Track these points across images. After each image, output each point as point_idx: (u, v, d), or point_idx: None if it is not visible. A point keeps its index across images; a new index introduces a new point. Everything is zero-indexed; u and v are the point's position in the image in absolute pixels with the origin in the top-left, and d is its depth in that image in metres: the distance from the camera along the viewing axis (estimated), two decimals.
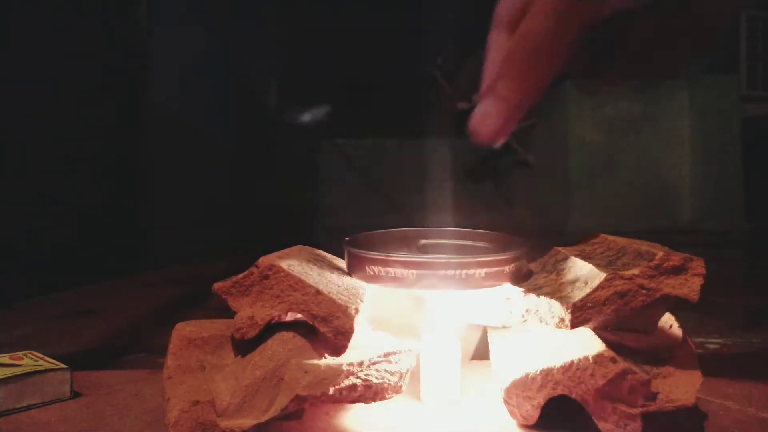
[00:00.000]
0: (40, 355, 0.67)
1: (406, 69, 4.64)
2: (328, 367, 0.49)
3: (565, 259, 0.61)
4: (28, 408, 0.61)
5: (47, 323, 1.23)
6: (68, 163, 1.73)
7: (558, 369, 0.51)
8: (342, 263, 0.64)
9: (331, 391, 0.49)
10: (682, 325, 0.57)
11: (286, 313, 0.53)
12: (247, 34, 3.50)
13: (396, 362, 0.54)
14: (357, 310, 0.52)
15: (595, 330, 0.53)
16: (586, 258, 0.59)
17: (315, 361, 0.50)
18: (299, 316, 0.53)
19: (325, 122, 3.90)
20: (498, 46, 0.49)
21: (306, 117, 3.82)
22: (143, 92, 2.18)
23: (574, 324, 0.51)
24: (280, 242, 0.73)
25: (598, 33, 0.44)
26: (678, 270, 0.52)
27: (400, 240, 0.71)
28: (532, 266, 0.65)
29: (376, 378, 0.53)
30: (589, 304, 0.51)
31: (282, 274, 0.53)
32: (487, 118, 0.47)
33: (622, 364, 0.49)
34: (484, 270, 0.56)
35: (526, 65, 0.45)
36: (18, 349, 0.70)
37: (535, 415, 0.53)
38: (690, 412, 0.51)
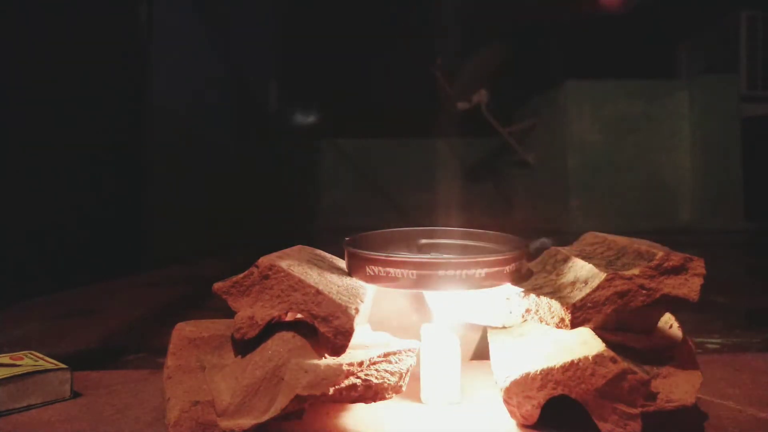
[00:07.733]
0: (40, 355, 0.67)
1: (406, 69, 4.64)
2: (328, 367, 0.50)
3: (565, 259, 0.61)
4: (28, 408, 0.61)
5: (47, 323, 1.22)
6: (68, 164, 1.73)
7: (558, 369, 0.51)
8: (342, 263, 0.64)
9: (331, 391, 0.49)
10: (682, 325, 0.57)
11: (286, 313, 0.53)
12: (247, 35, 3.50)
13: (396, 362, 0.54)
14: (357, 310, 0.52)
15: (595, 330, 0.53)
16: (586, 258, 0.59)
17: (315, 361, 0.50)
18: (299, 316, 0.53)
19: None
20: None
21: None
22: (143, 92, 2.18)
23: (574, 324, 0.51)
24: (280, 242, 0.73)
25: None
26: (678, 270, 0.52)
27: (400, 240, 0.71)
28: (532, 266, 0.65)
29: (376, 378, 0.53)
30: (589, 304, 0.51)
31: (282, 274, 0.53)
32: None
33: (622, 364, 0.49)
34: (485, 270, 0.56)
35: None
36: (18, 349, 0.70)
37: (535, 414, 0.53)
38: (690, 412, 0.51)
